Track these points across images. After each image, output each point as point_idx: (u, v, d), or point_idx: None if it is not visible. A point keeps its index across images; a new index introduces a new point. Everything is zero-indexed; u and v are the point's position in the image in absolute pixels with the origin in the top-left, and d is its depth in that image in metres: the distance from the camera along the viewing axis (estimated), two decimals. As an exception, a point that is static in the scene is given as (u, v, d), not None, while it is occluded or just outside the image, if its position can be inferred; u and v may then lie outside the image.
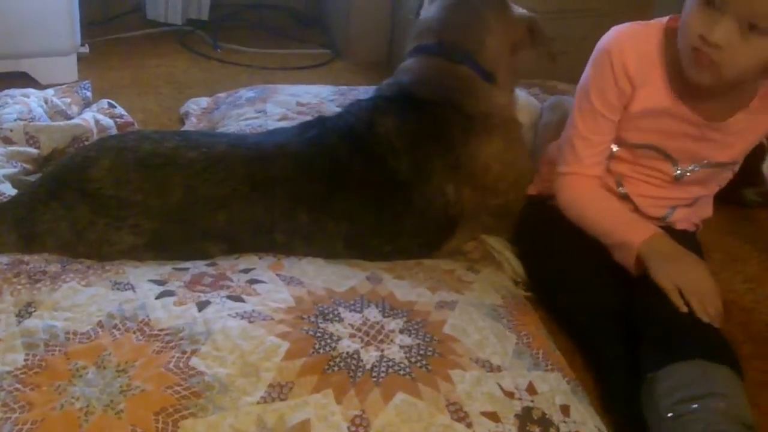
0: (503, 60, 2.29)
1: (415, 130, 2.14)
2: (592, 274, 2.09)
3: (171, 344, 1.57)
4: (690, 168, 2.12)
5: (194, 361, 1.53)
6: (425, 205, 2.11)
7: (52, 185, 1.96)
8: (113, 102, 2.87)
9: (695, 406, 1.63)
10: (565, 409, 1.68)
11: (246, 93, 3.01)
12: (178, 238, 1.94)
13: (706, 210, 2.30)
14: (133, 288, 1.73)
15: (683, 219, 2.23)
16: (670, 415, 1.65)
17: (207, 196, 1.95)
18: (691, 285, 1.87)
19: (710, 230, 2.39)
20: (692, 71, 1.89)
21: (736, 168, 2.21)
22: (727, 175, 2.23)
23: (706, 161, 2.11)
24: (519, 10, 2.36)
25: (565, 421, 1.65)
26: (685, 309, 1.83)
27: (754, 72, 1.87)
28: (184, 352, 1.55)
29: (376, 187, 2.08)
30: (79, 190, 1.92)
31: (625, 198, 2.17)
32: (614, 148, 2.14)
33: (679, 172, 2.13)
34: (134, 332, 1.60)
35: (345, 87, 3.11)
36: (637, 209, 2.17)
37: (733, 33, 1.77)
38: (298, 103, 2.87)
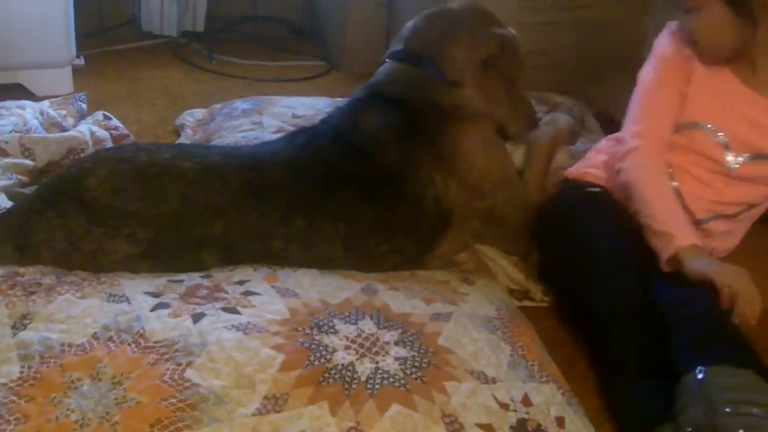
0: (470, 71, 2.31)
1: (397, 123, 2.19)
2: (617, 264, 2.13)
3: (166, 356, 1.56)
4: (742, 159, 2.18)
5: (189, 373, 1.53)
6: (417, 196, 2.15)
7: (48, 195, 1.96)
8: (108, 114, 2.88)
9: (756, 410, 1.65)
10: (560, 421, 1.68)
11: (241, 105, 3.01)
12: (174, 247, 1.94)
13: (736, 237, 2.35)
14: (128, 300, 1.72)
15: (718, 235, 2.27)
16: (727, 409, 1.66)
17: (202, 204, 1.95)
18: (739, 286, 1.92)
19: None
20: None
21: None
22: None
23: (757, 152, 2.17)
24: (500, 30, 2.36)
25: (560, 433, 1.66)
26: (728, 306, 1.90)
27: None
28: (179, 364, 1.55)
29: (369, 185, 2.11)
30: (75, 200, 1.92)
31: (676, 194, 2.21)
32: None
33: (731, 158, 2.19)
34: (129, 344, 1.59)
35: (341, 99, 3.11)
36: (684, 206, 2.20)
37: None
38: (294, 115, 2.88)
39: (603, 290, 2.08)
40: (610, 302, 2.04)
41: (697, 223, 2.23)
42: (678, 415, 1.74)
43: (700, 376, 1.74)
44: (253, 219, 1.99)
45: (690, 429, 1.69)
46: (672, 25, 2.29)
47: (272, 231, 2.00)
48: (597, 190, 2.31)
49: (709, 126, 2.20)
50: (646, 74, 2.30)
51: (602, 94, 3.35)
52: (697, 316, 1.91)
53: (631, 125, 2.26)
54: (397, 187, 2.13)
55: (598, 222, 2.23)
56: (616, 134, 2.37)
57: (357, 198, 2.09)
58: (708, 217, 2.25)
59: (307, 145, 2.15)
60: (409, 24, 2.40)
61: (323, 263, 2.01)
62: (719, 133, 2.19)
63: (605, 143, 2.45)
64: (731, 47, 2.16)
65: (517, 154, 2.56)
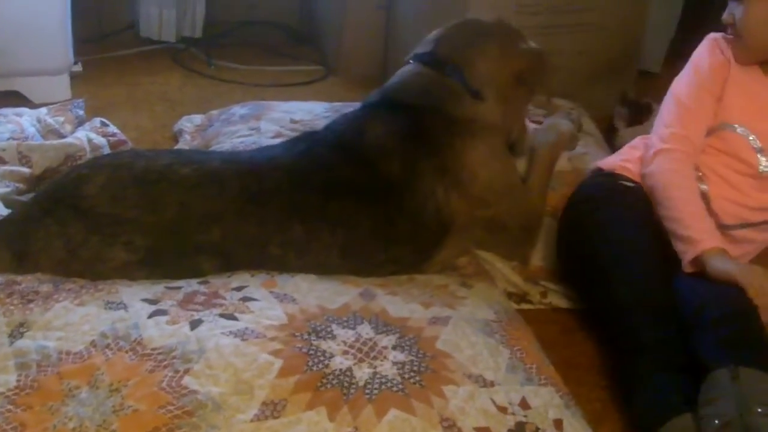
0: (495, 84, 2.30)
1: (403, 132, 2.17)
2: (645, 257, 2.15)
3: (164, 363, 1.56)
4: None
5: (187, 379, 1.53)
6: (417, 207, 2.13)
7: (46, 203, 1.96)
8: (106, 120, 2.88)
9: None
10: (558, 424, 1.68)
11: (239, 110, 3.01)
12: (172, 254, 1.93)
13: (758, 248, 2.38)
14: (125, 307, 1.72)
15: (742, 243, 2.29)
16: (760, 410, 1.69)
17: (201, 211, 1.95)
18: (764, 284, 1.97)
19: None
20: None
21: None
22: None
23: None
24: (529, 46, 2.39)
25: (558, 436, 1.66)
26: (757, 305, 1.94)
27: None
28: (177, 371, 1.55)
29: (369, 193, 2.10)
30: (72, 207, 1.92)
31: (704, 197, 2.23)
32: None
33: (762, 159, 2.22)
34: (127, 351, 1.59)
35: (339, 103, 3.11)
36: (711, 212, 2.23)
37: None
38: (292, 120, 2.87)
39: (629, 280, 2.10)
40: (634, 292, 2.07)
41: (723, 229, 2.24)
42: (703, 407, 1.77)
43: (732, 374, 1.77)
44: (250, 225, 1.98)
45: (718, 422, 1.71)
46: (712, 36, 2.33)
47: (270, 237, 1.99)
48: (630, 184, 2.33)
49: (741, 128, 2.23)
50: (682, 80, 2.33)
51: (599, 99, 3.36)
52: (728, 317, 1.93)
53: (661, 129, 2.29)
54: (397, 197, 2.11)
55: (628, 214, 2.26)
56: (647, 137, 2.40)
57: (356, 206, 2.08)
58: (735, 224, 2.26)
59: (308, 151, 2.14)
60: (438, 30, 2.39)
61: (321, 269, 2.00)
62: (751, 136, 2.21)
63: (640, 141, 2.46)
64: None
65: (520, 159, 2.57)
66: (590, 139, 2.92)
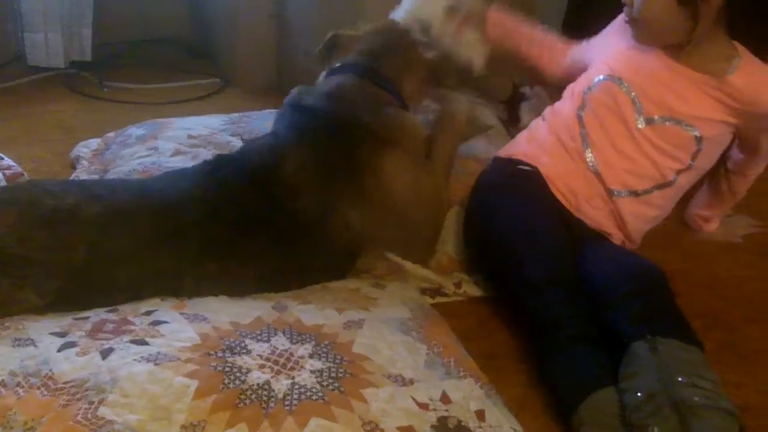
0: (418, 92, 2.42)
1: (318, 163, 2.16)
2: (552, 236, 2.21)
3: (77, 396, 1.53)
4: (650, 118, 2.29)
5: (102, 410, 1.50)
6: (330, 243, 2.14)
7: None
8: (1, 154, 2.81)
9: (707, 384, 1.73)
10: (480, 414, 1.70)
11: (135, 131, 2.97)
12: (82, 295, 1.89)
13: (643, 222, 2.42)
14: (34, 343, 1.69)
15: (628, 214, 2.32)
16: (681, 379, 1.73)
17: (111, 252, 1.92)
18: None
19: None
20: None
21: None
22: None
23: (665, 115, 2.28)
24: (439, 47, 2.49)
25: (481, 426, 1.67)
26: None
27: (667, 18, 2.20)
28: (91, 403, 1.52)
29: (282, 230, 2.08)
30: None
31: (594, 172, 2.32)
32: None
33: (639, 116, 2.29)
34: (39, 388, 1.56)
35: (236, 114, 3.10)
36: (598, 174, 2.31)
37: None
38: (190, 136, 2.85)
39: (537, 259, 2.14)
40: (544, 270, 2.10)
41: (609, 194, 2.30)
42: (624, 380, 1.80)
43: (650, 345, 1.81)
44: (165, 262, 1.95)
45: (640, 394, 1.74)
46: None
47: (184, 273, 1.97)
48: (528, 168, 2.37)
49: (622, 80, 2.30)
50: None
51: (497, 89, 3.39)
52: (638, 291, 1.98)
53: None
54: (310, 234, 2.10)
55: (529, 197, 2.32)
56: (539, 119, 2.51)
57: (268, 242, 2.06)
58: (619, 189, 2.30)
59: (221, 183, 2.11)
60: (365, 39, 2.45)
61: (237, 296, 1.99)
62: (633, 93, 2.28)
63: (534, 123, 2.54)
64: (669, 34, 2.25)
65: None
66: (492, 131, 2.97)
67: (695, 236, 2.76)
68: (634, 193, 2.30)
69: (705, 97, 2.25)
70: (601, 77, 2.34)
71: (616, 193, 2.29)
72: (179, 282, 1.96)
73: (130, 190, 2.09)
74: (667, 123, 2.26)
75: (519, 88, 3.28)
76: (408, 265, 2.31)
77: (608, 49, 2.40)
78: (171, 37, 4.41)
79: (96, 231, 1.93)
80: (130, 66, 4.16)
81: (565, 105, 2.43)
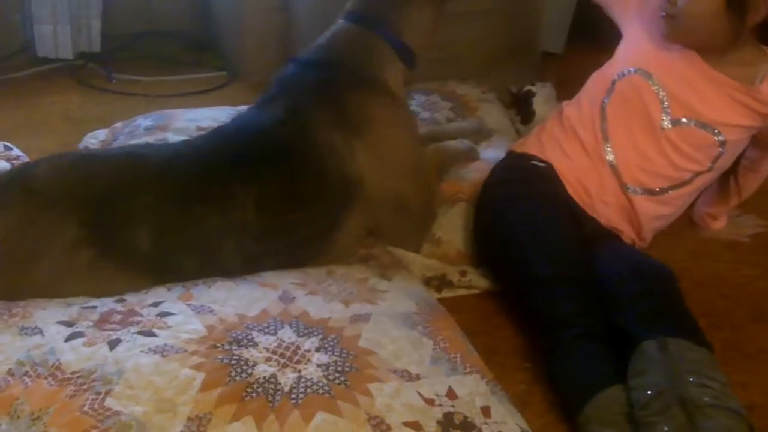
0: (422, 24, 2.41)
1: (301, 91, 2.28)
2: (563, 233, 2.20)
3: (84, 387, 1.54)
4: (676, 120, 2.26)
5: (109, 401, 1.51)
6: (319, 164, 2.18)
7: None
8: (9, 144, 2.82)
9: (716, 385, 1.73)
10: (486, 411, 1.70)
11: (143, 122, 2.97)
12: (112, 229, 1.98)
13: (658, 223, 2.43)
14: (41, 332, 1.69)
15: (644, 213, 2.33)
16: (691, 379, 1.72)
17: (134, 180, 2.05)
18: None
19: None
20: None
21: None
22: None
23: (692, 117, 2.26)
24: None
25: (486, 423, 1.67)
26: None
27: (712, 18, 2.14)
28: (98, 394, 1.52)
29: (270, 157, 2.15)
30: (23, 188, 1.99)
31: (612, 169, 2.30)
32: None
33: (665, 116, 2.27)
34: (46, 378, 1.57)
35: (243, 107, 3.08)
36: (614, 170, 2.30)
37: None
38: (198, 128, 2.85)
39: (546, 255, 2.14)
40: (553, 267, 2.11)
41: (623, 189, 2.31)
42: (633, 378, 1.80)
43: (660, 345, 1.80)
44: (178, 187, 2.04)
45: (650, 392, 1.74)
46: None
47: (192, 197, 2.04)
48: (541, 164, 2.36)
49: (653, 77, 2.27)
50: None
51: (504, 83, 3.39)
52: (648, 291, 1.98)
53: None
54: (299, 155, 2.16)
55: (542, 193, 2.31)
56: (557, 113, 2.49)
57: (263, 168, 2.13)
58: (634, 186, 2.31)
59: (217, 132, 2.29)
60: None
61: (241, 229, 2.06)
62: (662, 91, 2.25)
63: (552, 115, 2.54)
64: (705, 36, 2.21)
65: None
66: (497, 134, 2.99)
67: (702, 234, 2.75)
68: (650, 192, 2.30)
69: (733, 102, 2.23)
70: (632, 69, 2.31)
71: (631, 189, 2.29)
72: (189, 208, 2.04)
73: (132, 150, 2.34)
74: (693, 126, 2.25)
75: (521, 90, 3.28)
76: (409, 255, 2.32)
77: (637, 42, 2.36)
78: (178, 30, 4.40)
79: (116, 164, 2.12)
80: (137, 58, 4.15)
81: (588, 93, 2.41)
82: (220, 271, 2.01)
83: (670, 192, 2.32)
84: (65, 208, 1.94)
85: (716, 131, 2.25)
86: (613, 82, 2.32)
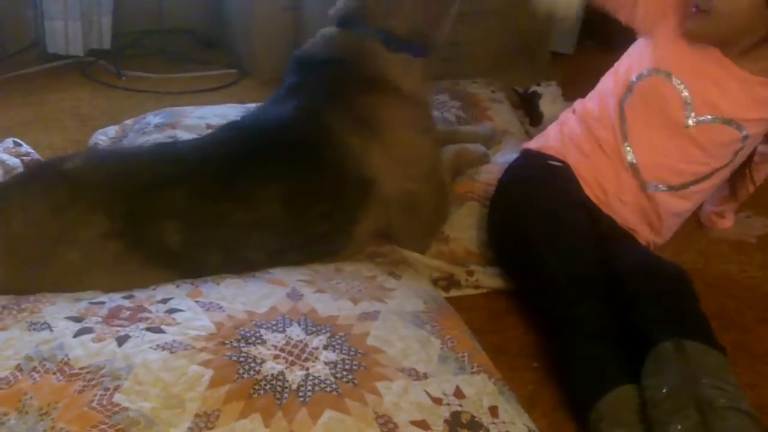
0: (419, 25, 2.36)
1: (312, 93, 2.29)
2: (579, 233, 2.19)
3: (92, 382, 1.54)
4: (700, 118, 2.25)
5: (117, 397, 1.51)
6: (336, 160, 2.20)
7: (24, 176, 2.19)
8: (18, 140, 2.82)
9: (730, 388, 1.73)
10: (493, 410, 1.70)
11: (153, 119, 2.97)
12: (147, 220, 2.01)
13: (680, 220, 2.43)
14: (49, 327, 1.70)
15: (665, 209, 2.33)
16: (705, 380, 1.73)
17: (167, 176, 2.08)
18: None
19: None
20: (689, 23, 2.20)
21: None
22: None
23: (717, 115, 2.25)
24: None
25: (494, 422, 1.67)
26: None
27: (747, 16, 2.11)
28: (106, 389, 1.53)
29: (295, 153, 2.18)
30: (56, 174, 2.06)
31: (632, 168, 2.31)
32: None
33: (689, 115, 2.25)
34: (54, 373, 1.57)
35: (253, 105, 3.09)
36: (634, 170, 2.30)
37: None
38: (208, 126, 2.85)
39: (561, 255, 2.13)
40: (567, 266, 2.10)
41: (643, 188, 2.30)
42: (648, 378, 1.80)
43: (676, 347, 1.81)
44: (209, 183, 2.08)
45: (665, 390, 1.74)
46: None
47: (223, 193, 2.08)
48: (558, 164, 2.36)
49: (673, 76, 2.25)
50: None
51: (514, 82, 3.39)
52: (664, 293, 1.97)
53: None
54: (318, 154, 2.18)
55: (558, 192, 2.30)
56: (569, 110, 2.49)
57: (287, 166, 2.15)
58: (656, 183, 2.30)
59: (239, 130, 2.30)
60: None
61: (270, 224, 2.09)
62: (685, 92, 2.23)
63: (563, 115, 2.52)
64: (737, 33, 2.18)
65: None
66: (509, 137, 2.99)
67: (710, 234, 2.75)
68: (671, 188, 2.30)
69: (756, 98, 2.22)
70: (651, 71, 2.28)
71: (652, 187, 2.29)
72: (220, 204, 2.08)
73: (160, 148, 2.38)
74: (717, 123, 2.24)
75: (527, 90, 3.28)
76: (414, 255, 2.32)
77: (657, 42, 2.31)
78: (188, 28, 4.41)
79: (153, 159, 2.16)
80: (146, 56, 4.16)
81: (606, 92, 2.39)
82: (243, 266, 2.03)
83: (691, 187, 2.32)
84: (96, 198, 1.99)
85: (740, 127, 2.25)
86: (632, 84, 2.30)
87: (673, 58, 2.26)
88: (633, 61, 2.36)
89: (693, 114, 2.23)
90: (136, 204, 2.00)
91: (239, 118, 2.45)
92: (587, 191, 2.31)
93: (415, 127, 2.36)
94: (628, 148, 2.29)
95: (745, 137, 2.26)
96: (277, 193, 2.11)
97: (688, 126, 2.25)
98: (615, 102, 2.33)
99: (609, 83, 2.40)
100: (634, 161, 2.28)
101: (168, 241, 2.00)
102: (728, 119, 2.24)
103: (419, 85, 2.38)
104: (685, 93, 2.22)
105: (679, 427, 1.67)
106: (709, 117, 2.24)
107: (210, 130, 2.79)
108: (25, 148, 2.79)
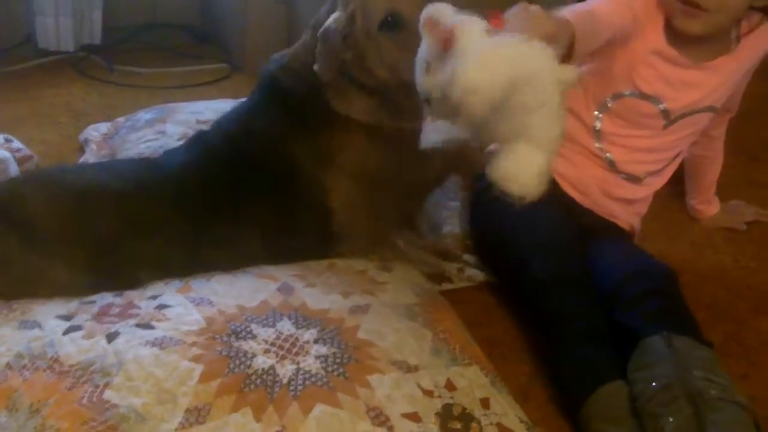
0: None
1: (281, 123, 2.17)
2: (560, 232, 2.18)
3: (83, 379, 1.54)
4: (675, 117, 2.25)
5: (108, 393, 1.51)
6: (306, 194, 2.13)
7: None
8: (9, 136, 2.81)
9: (721, 381, 1.73)
10: (485, 402, 1.70)
11: (145, 115, 2.97)
12: (112, 269, 1.94)
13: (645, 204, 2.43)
14: (40, 325, 1.70)
15: (645, 191, 2.36)
16: (697, 373, 1.72)
17: (137, 220, 1.99)
18: None
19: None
20: (683, 23, 2.10)
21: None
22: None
23: (690, 109, 2.24)
24: None
25: (486, 414, 1.67)
26: None
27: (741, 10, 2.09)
28: (96, 386, 1.53)
29: (270, 189, 2.12)
30: (8, 222, 1.92)
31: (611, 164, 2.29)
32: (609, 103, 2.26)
33: (666, 121, 2.24)
34: (44, 370, 1.57)
35: (245, 100, 3.09)
36: (615, 167, 2.29)
37: None
38: (198, 121, 2.85)
39: (545, 257, 2.11)
40: (552, 267, 2.08)
41: (622, 176, 2.31)
42: (636, 372, 1.79)
43: (666, 341, 1.80)
44: (185, 227, 2.01)
45: (656, 384, 1.73)
46: None
47: (201, 237, 2.02)
48: None
49: (649, 95, 2.22)
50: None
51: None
52: (652, 292, 1.96)
53: None
54: (290, 189, 2.13)
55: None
56: None
57: (266, 201, 2.10)
58: (635, 174, 2.31)
59: (208, 154, 2.17)
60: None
61: (246, 264, 2.03)
62: (662, 103, 2.22)
63: None
64: (721, 28, 2.15)
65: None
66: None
67: (701, 223, 2.76)
68: (651, 173, 2.32)
69: (726, 75, 2.23)
70: (626, 93, 2.22)
71: (632, 177, 2.30)
72: (198, 249, 2.02)
73: (129, 167, 2.22)
74: (695, 115, 2.26)
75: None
76: (411, 251, 2.31)
77: (627, 61, 2.20)
78: (180, 22, 4.41)
79: (119, 203, 2.00)
80: (138, 50, 4.16)
81: (578, 105, 2.30)
82: None
83: (667, 168, 2.36)
84: (60, 250, 1.92)
85: (713, 108, 2.28)
86: (606, 103, 2.26)
87: (648, 76, 2.20)
88: (603, 80, 2.25)
89: (671, 118, 2.23)
90: (106, 252, 1.95)
91: (208, 132, 2.30)
92: (565, 187, 2.30)
93: (380, 165, 2.19)
94: (605, 148, 2.28)
95: (717, 109, 2.31)
96: (256, 234, 2.08)
97: (665, 127, 2.25)
98: (589, 114, 2.29)
99: (579, 98, 2.29)
100: (612, 158, 2.27)
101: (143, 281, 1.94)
102: (703, 107, 2.26)
103: (384, 118, 2.18)
104: (662, 106, 2.21)
105: (672, 420, 1.67)
106: (685, 113, 2.24)
107: (200, 125, 2.78)
108: (16, 144, 2.78)
